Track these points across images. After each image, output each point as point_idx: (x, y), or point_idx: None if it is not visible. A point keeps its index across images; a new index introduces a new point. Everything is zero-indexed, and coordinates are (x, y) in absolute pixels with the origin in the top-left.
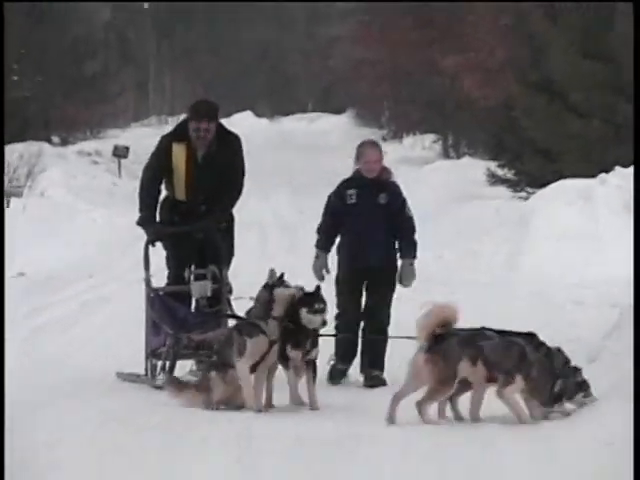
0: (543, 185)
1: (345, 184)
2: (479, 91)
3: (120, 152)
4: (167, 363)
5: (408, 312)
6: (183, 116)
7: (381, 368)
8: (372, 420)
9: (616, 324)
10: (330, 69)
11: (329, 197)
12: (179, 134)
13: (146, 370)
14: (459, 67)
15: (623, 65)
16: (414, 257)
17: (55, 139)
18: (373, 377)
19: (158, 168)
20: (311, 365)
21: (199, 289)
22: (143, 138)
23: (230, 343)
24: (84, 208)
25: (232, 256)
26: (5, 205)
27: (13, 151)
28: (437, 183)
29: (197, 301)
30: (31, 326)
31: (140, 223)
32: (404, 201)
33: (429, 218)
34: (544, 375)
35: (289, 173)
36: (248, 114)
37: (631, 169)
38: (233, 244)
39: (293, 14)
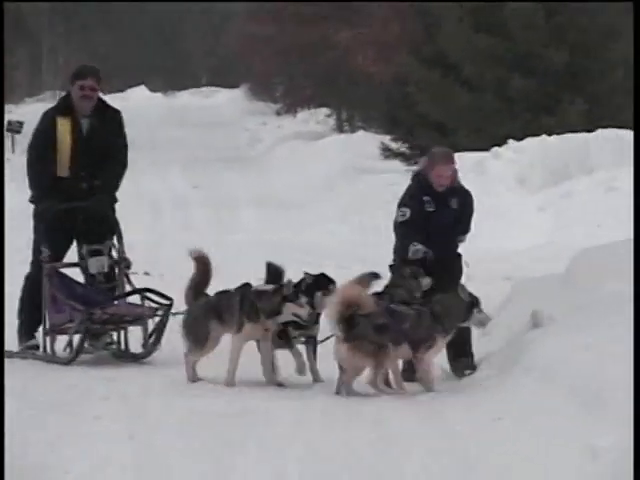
0: None
1: (418, 189)
2: (373, 66)
3: (14, 127)
4: (74, 338)
5: None
6: None
7: (467, 355)
8: (270, 396)
9: (508, 297)
10: (224, 44)
11: (403, 205)
12: (63, 108)
13: (44, 346)
14: (352, 41)
15: (517, 39)
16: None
17: None
18: (461, 366)
19: (44, 146)
20: (312, 341)
21: (96, 264)
22: (37, 113)
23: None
24: None
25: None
26: None
27: None
28: (331, 157)
29: (93, 276)
30: None
31: (34, 200)
32: (471, 203)
33: (323, 192)
34: (454, 318)
35: (183, 148)
36: (142, 89)
37: (524, 142)
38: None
39: None
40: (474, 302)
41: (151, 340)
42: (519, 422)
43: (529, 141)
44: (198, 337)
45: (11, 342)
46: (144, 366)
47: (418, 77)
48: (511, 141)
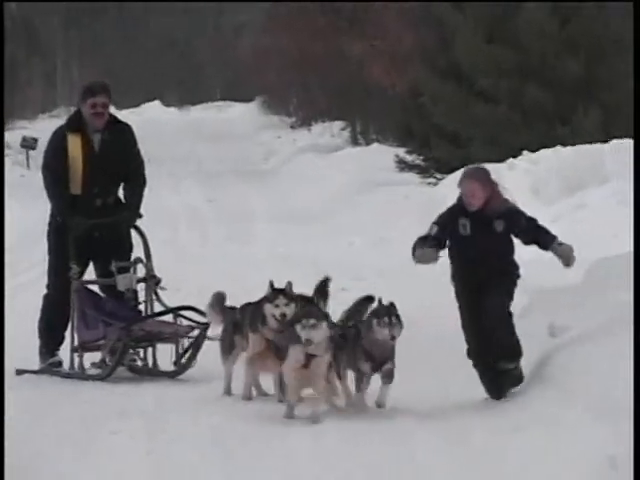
0: (452, 170)
1: (456, 210)
2: (387, 78)
3: (28, 143)
4: (108, 355)
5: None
6: None
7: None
8: None
9: (525, 308)
10: (237, 58)
11: (434, 222)
12: (73, 124)
13: (72, 363)
14: (366, 54)
15: (530, 50)
16: (554, 238)
17: None
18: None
19: (56, 166)
20: None
21: (125, 282)
22: (52, 129)
23: None
24: None
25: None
26: None
27: None
28: (346, 170)
29: (121, 293)
30: None
31: (61, 217)
32: (522, 213)
33: (339, 205)
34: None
35: (198, 162)
36: (156, 103)
37: (539, 153)
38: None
39: (200, 3)
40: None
41: (185, 358)
42: (537, 433)
43: (544, 152)
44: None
45: (24, 360)
46: (160, 382)
47: (432, 88)
48: (526, 152)
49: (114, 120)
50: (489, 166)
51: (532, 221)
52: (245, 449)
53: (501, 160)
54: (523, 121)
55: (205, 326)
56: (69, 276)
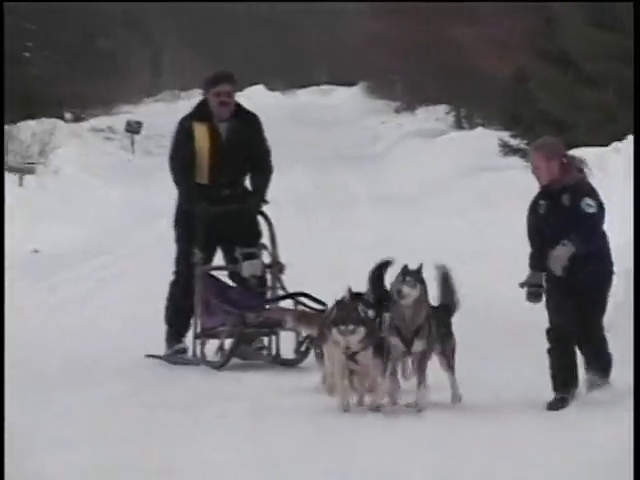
0: None
1: (537, 196)
2: (492, 63)
3: (133, 128)
4: (225, 342)
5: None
6: (196, 90)
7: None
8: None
9: (626, 291)
10: (343, 42)
11: (527, 213)
12: (200, 114)
13: (194, 350)
14: (471, 38)
15: (624, 34)
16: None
17: (68, 116)
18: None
19: (183, 155)
20: None
21: (250, 268)
22: (156, 113)
23: None
24: (98, 185)
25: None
26: (19, 182)
27: (26, 128)
28: (451, 154)
29: (245, 280)
30: (48, 303)
31: (187, 205)
32: (584, 205)
33: (443, 189)
34: None
35: (303, 147)
36: (260, 87)
37: None
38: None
39: None
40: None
41: (304, 346)
42: None
43: None
44: None
45: (151, 346)
46: (273, 369)
47: (539, 74)
48: (631, 137)
49: (241, 109)
50: (594, 150)
51: (586, 220)
52: (341, 437)
53: (606, 144)
54: (629, 106)
55: (322, 312)
56: (193, 262)
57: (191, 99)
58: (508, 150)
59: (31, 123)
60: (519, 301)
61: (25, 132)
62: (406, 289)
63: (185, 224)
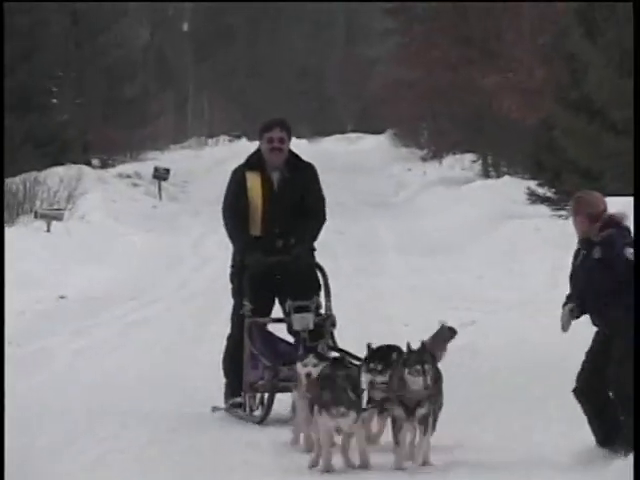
0: None
1: (578, 243)
2: (518, 111)
3: (160, 174)
4: (265, 397)
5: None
6: (222, 137)
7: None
8: None
9: None
10: (369, 90)
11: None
12: (252, 163)
13: (243, 405)
14: (498, 87)
15: None
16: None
17: (95, 162)
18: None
19: (236, 205)
20: None
21: (301, 321)
22: (182, 160)
23: None
24: (124, 231)
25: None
26: (46, 228)
27: (53, 174)
28: (477, 202)
29: (297, 333)
30: (72, 349)
31: (241, 255)
32: (618, 255)
33: (469, 238)
34: None
35: (328, 193)
36: None
37: None
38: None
39: (332, 34)
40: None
41: None
42: None
43: None
44: None
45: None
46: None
47: (564, 122)
48: None
49: (295, 158)
50: (621, 199)
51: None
52: None
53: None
54: None
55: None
56: (242, 314)
57: (217, 146)
58: (535, 198)
59: (59, 169)
60: (550, 344)
61: (53, 178)
62: (412, 379)
63: (239, 277)
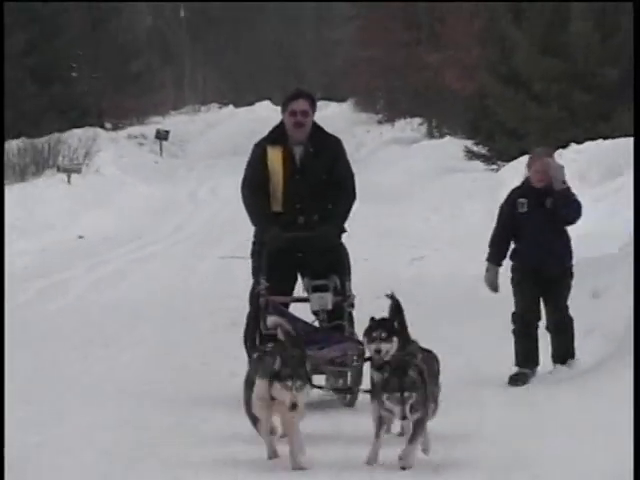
0: (511, 159)
1: (516, 193)
2: (458, 83)
3: (162, 135)
4: None
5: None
6: (213, 104)
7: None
8: None
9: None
10: (334, 65)
11: (501, 207)
12: (274, 137)
13: None
14: (441, 63)
15: (577, 59)
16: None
17: (108, 125)
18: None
19: (256, 180)
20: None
21: (319, 301)
22: (180, 124)
23: None
24: (132, 182)
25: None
26: (67, 180)
27: (73, 135)
28: (424, 158)
29: (315, 314)
30: (90, 279)
31: (260, 229)
32: (567, 203)
33: (418, 187)
34: None
35: None
36: (267, 103)
37: (584, 145)
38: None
39: (304, 20)
40: None
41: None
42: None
43: (588, 144)
44: None
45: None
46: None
47: (495, 92)
48: (573, 144)
49: (321, 133)
50: None
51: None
52: None
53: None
54: (571, 119)
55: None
56: (258, 292)
57: (208, 112)
58: (472, 155)
59: (77, 131)
60: (482, 278)
61: (72, 138)
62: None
63: (259, 255)
